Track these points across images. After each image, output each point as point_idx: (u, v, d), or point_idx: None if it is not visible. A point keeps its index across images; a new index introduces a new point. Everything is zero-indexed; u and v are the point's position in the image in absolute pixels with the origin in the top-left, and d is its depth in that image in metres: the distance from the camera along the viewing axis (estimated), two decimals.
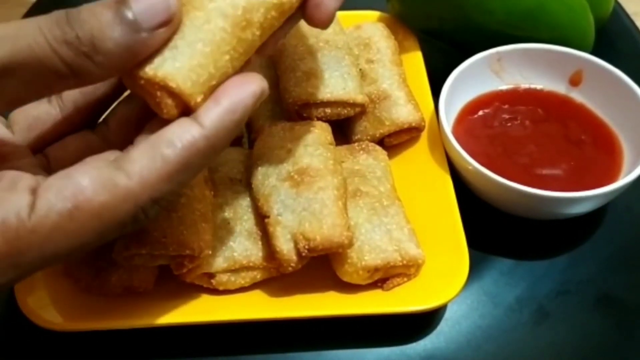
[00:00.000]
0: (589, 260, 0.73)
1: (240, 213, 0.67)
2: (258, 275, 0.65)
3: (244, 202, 0.67)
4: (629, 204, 0.76)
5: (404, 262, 0.63)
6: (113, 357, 0.65)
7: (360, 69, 0.79)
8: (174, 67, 0.45)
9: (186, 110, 0.47)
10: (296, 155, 0.66)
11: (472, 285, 0.69)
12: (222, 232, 0.65)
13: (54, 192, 0.41)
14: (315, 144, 0.67)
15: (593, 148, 0.75)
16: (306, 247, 0.60)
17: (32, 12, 0.99)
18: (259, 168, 0.67)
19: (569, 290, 0.70)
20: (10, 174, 0.45)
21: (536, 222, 0.74)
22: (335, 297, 0.64)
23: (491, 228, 0.74)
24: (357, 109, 0.75)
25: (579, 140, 0.76)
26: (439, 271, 0.65)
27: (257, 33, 0.49)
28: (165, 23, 0.44)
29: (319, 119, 0.73)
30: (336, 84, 0.73)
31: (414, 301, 0.63)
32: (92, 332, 0.62)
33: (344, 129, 0.78)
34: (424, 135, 0.78)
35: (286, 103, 0.73)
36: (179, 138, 0.44)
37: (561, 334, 0.67)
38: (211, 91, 0.47)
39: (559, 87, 0.81)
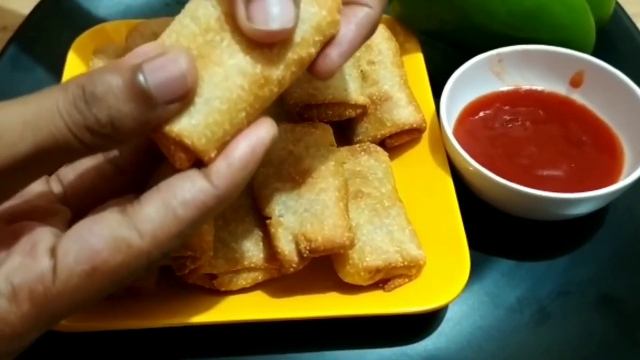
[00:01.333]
0: (590, 261, 0.73)
1: (242, 214, 0.67)
2: (260, 276, 0.65)
3: (246, 203, 0.68)
4: (630, 205, 0.77)
5: (405, 263, 0.64)
6: (115, 358, 0.65)
7: (361, 71, 0.79)
8: (190, 124, 0.45)
9: (198, 161, 0.47)
10: (297, 156, 0.67)
11: (473, 285, 0.69)
12: (224, 233, 0.65)
13: (72, 257, 0.44)
14: (316, 145, 0.68)
15: (594, 149, 0.76)
16: (307, 248, 0.60)
17: (34, 13, 0.99)
18: (261, 169, 0.67)
19: (570, 291, 0.71)
20: (30, 233, 0.47)
21: (537, 223, 0.74)
22: (337, 298, 0.64)
23: (492, 229, 0.75)
24: (359, 111, 0.75)
25: (580, 141, 0.76)
26: (440, 272, 0.65)
27: (275, 90, 0.49)
28: (180, 98, 0.45)
29: (320, 120, 0.73)
30: (337, 85, 0.73)
31: (415, 302, 0.63)
32: (94, 333, 0.63)
33: (345, 130, 0.78)
34: (425, 136, 0.78)
35: (287, 104, 0.73)
36: (192, 198, 0.45)
37: (562, 335, 0.67)
38: (224, 145, 0.47)
39: (559, 88, 0.81)
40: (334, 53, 0.53)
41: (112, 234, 0.44)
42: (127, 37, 0.81)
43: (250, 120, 0.49)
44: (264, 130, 0.48)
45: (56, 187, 0.55)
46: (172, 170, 0.48)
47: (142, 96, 0.43)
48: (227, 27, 0.47)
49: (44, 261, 0.44)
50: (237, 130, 0.48)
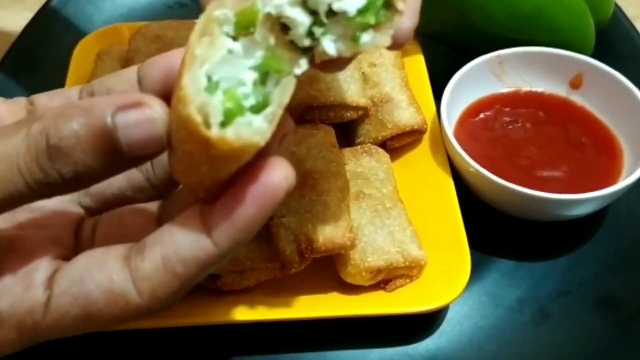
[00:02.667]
0: (590, 261, 0.73)
1: None
2: (262, 276, 0.65)
3: None
4: (629, 205, 0.77)
5: (407, 263, 0.64)
6: (118, 358, 0.66)
7: (362, 73, 0.79)
8: None
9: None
10: (299, 157, 0.67)
11: (474, 286, 0.70)
12: None
13: (68, 300, 0.42)
14: (318, 147, 0.68)
15: (593, 150, 0.76)
16: (309, 248, 0.61)
17: (38, 16, 1.00)
18: None
19: (570, 291, 0.71)
20: (28, 257, 0.45)
21: (537, 224, 0.74)
22: (338, 298, 0.65)
23: (492, 229, 0.75)
24: (360, 112, 0.76)
25: (580, 143, 0.76)
26: (441, 272, 0.66)
27: None
28: (152, 156, 0.42)
29: (322, 122, 0.73)
30: (339, 87, 0.74)
31: (417, 302, 0.64)
32: (96, 333, 0.63)
33: (346, 132, 0.78)
34: (426, 137, 0.78)
35: (289, 106, 0.73)
36: (192, 257, 0.42)
37: (562, 335, 0.68)
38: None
39: (559, 90, 0.82)
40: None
41: (111, 287, 0.42)
42: (130, 40, 0.81)
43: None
44: (277, 180, 0.42)
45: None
46: (183, 205, 0.46)
47: (113, 151, 0.40)
48: None
49: (37, 293, 0.43)
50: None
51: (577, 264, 0.73)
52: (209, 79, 0.40)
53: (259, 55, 0.42)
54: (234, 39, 0.42)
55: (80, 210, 0.53)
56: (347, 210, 0.64)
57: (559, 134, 0.77)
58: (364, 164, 0.73)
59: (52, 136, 0.39)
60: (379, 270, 0.64)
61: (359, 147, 0.75)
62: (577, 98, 0.81)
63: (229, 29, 0.42)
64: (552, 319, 0.69)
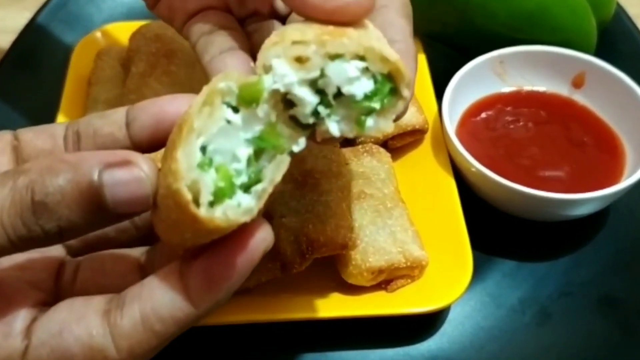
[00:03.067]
0: (591, 261, 0.73)
1: None
2: (263, 277, 0.65)
3: None
4: (631, 205, 0.77)
5: (408, 263, 0.64)
6: None
7: None
8: None
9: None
10: (300, 157, 0.67)
11: (475, 286, 0.70)
12: None
13: (46, 352, 0.42)
14: (319, 147, 0.68)
15: (595, 150, 0.76)
16: (310, 248, 0.61)
17: (38, 15, 1.00)
18: None
19: (572, 292, 0.71)
20: (8, 305, 0.45)
21: (539, 224, 0.74)
22: (340, 299, 0.65)
23: (494, 230, 0.75)
24: None
25: (582, 142, 0.76)
26: (443, 273, 0.66)
27: None
28: (137, 214, 0.42)
29: None
30: None
31: (418, 302, 0.64)
32: None
33: None
34: (428, 137, 0.78)
35: None
36: (170, 316, 0.43)
37: (563, 335, 0.68)
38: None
39: (561, 89, 0.81)
40: None
41: (89, 342, 0.42)
42: (130, 39, 0.81)
43: None
44: (256, 246, 0.43)
45: None
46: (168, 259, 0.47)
47: (98, 208, 0.40)
48: None
49: (15, 342, 0.43)
50: None
51: (579, 264, 0.73)
52: (204, 149, 0.40)
53: (257, 129, 0.43)
54: (235, 109, 0.42)
55: (62, 252, 0.53)
56: (348, 211, 0.64)
57: (560, 133, 0.77)
58: (365, 164, 0.72)
59: (37, 192, 0.39)
60: (380, 271, 0.64)
61: (360, 146, 0.75)
62: (579, 97, 0.81)
63: (232, 99, 0.42)
64: (553, 320, 0.69)
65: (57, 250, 0.52)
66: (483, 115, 0.80)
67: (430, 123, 0.78)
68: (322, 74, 0.43)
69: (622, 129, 0.77)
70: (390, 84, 0.45)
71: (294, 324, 0.64)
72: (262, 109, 0.42)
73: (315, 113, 0.44)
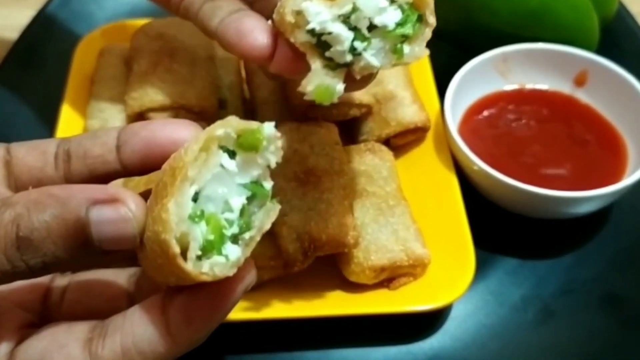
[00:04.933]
0: (594, 259, 0.73)
1: None
2: (265, 275, 0.65)
3: None
4: (634, 203, 0.77)
5: (410, 261, 0.64)
6: None
7: None
8: None
9: None
10: (303, 155, 0.67)
11: (478, 284, 0.70)
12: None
13: None
14: (321, 144, 0.68)
15: (598, 148, 0.76)
16: (312, 246, 0.61)
17: (41, 13, 1.00)
18: None
19: (574, 290, 0.71)
20: None
21: (541, 222, 0.74)
22: (342, 297, 0.65)
23: (496, 228, 0.75)
24: (363, 110, 0.75)
25: (584, 140, 0.76)
26: (445, 271, 0.66)
27: None
28: (122, 251, 0.42)
29: (325, 119, 0.73)
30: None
31: (420, 300, 0.64)
32: None
33: (350, 130, 0.78)
34: (430, 135, 0.78)
35: (293, 104, 0.74)
36: (151, 351, 0.43)
37: (566, 333, 0.68)
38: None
39: (563, 87, 0.81)
40: None
41: None
42: (132, 38, 0.81)
43: None
44: (239, 290, 0.44)
45: None
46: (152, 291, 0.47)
47: (84, 245, 0.40)
48: None
49: None
50: None
51: (581, 262, 0.73)
52: (197, 195, 0.40)
53: (255, 174, 0.43)
54: (232, 154, 0.42)
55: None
56: (350, 209, 0.64)
57: (563, 131, 0.77)
58: (368, 162, 0.72)
59: (23, 227, 0.39)
60: (382, 269, 0.64)
61: (362, 144, 0.75)
62: (581, 95, 0.81)
63: (230, 143, 0.42)
64: (556, 317, 0.69)
65: None
66: (485, 113, 0.80)
67: (433, 121, 0.78)
68: (354, 9, 0.45)
69: (625, 127, 0.77)
70: (416, 12, 0.48)
71: (296, 322, 0.64)
72: (262, 157, 0.43)
73: (352, 50, 0.46)
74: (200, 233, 0.39)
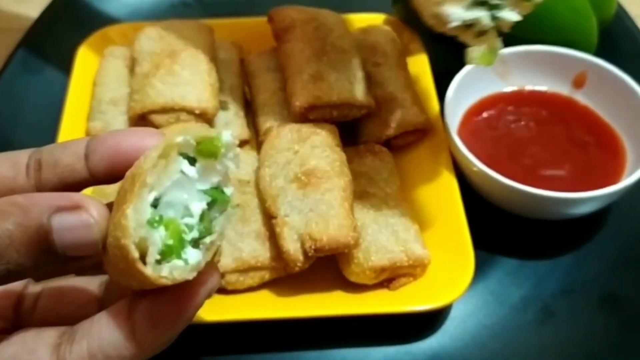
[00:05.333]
0: (594, 259, 0.73)
1: (249, 214, 0.68)
2: (266, 275, 0.66)
3: (252, 204, 0.68)
4: (633, 204, 0.77)
5: (410, 262, 0.64)
6: None
7: (366, 72, 0.80)
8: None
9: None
10: (303, 156, 0.67)
11: (478, 284, 0.70)
12: (231, 233, 0.66)
13: None
14: (322, 146, 0.68)
15: (596, 149, 0.76)
16: (313, 247, 0.61)
17: (44, 15, 1.00)
18: (267, 169, 0.68)
19: (574, 290, 0.71)
20: None
21: (541, 222, 0.75)
22: (342, 297, 0.65)
23: (496, 228, 0.75)
24: (364, 111, 0.76)
25: (583, 142, 0.77)
26: (445, 271, 0.66)
27: None
28: (86, 258, 0.43)
29: (325, 121, 0.73)
30: (343, 86, 0.74)
31: (420, 301, 0.64)
32: None
33: (350, 131, 0.79)
34: (430, 137, 0.78)
35: (293, 105, 0.74)
36: (117, 355, 0.44)
37: (566, 333, 0.68)
38: None
39: (562, 88, 0.82)
40: None
41: None
42: (134, 40, 0.82)
43: None
44: (202, 294, 0.45)
45: None
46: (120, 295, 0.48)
47: (47, 252, 0.41)
48: None
49: None
50: None
51: (581, 262, 0.73)
52: (157, 200, 0.41)
53: (215, 180, 0.44)
54: (192, 160, 0.43)
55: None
56: (350, 209, 0.64)
57: (562, 133, 0.78)
58: (368, 163, 0.73)
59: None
60: (382, 269, 0.64)
61: (362, 146, 0.75)
62: (580, 97, 0.81)
63: (190, 150, 0.42)
64: (555, 318, 0.69)
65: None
66: (485, 114, 0.80)
67: (432, 122, 0.78)
68: None
69: (623, 129, 0.77)
70: None
71: (297, 321, 0.64)
72: (221, 163, 0.44)
73: (492, 18, 0.55)
74: (159, 238, 0.40)
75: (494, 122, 0.79)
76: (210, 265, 0.45)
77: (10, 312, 0.50)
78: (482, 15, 0.53)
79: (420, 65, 0.85)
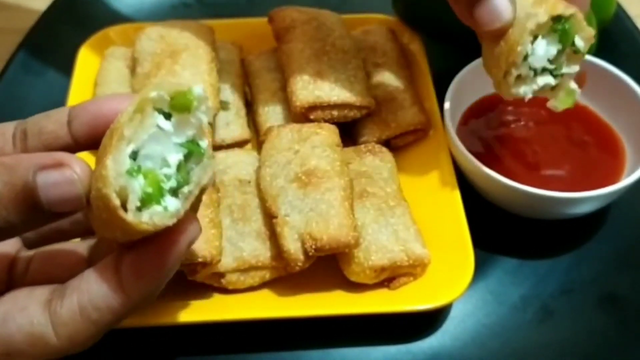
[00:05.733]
0: (593, 259, 0.74)
1: (249, 214, 0.68)
2: (267, 275, 0.66)
3: (253, 203, 0.69)
4: (632, 204, 0.77)
5: (410, 261, 0.64)
6: (123, 355, 0.66)
7: (366, 72, 0.80)
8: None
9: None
10: (304, 156, 0.68)
11: (477, 284, 0.70)
12: (232, 232, 0.66)
13: None
14: (322, 146, 0.68)
15: (596, 149, 0.76)
16: (313, 246, 0.61)
17: (45, 16, 1.00)
18: (267, 169, 0.68)
19: (573, 289, 0.71)
20: None
21: (540, 222, 0.75)
22: (343, 296, 0.65)
23: (496, 228, 0.75)
24: (364, 111, 0.76)
25: (582, 142, 0.77)
26: (445, 270, 0.66)
27: None
28: (71, 213, 0.45)
29: (326, 121, 0.74)
30: (343, 86, 0.74)
31: (420, 300, 0.64)
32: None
33: (350, 131, 0.79)
34: (430, 136, 0.79)
35: (293, 106, 0.74)
36: (106, 306, 0.46)
37: (565, 332, 0.68)
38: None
39: None
40: None
41: (31, 330, 0.46)
42: (135, 40, 0.82)
43: None
44: (182, 242, 0.47)
45: None
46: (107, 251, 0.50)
47: (33, 208, 0.43)
48: None
49: None
50: None
51: (580, 262, 0.73)
52: (136, 153, 0.43)
53: (190, 133, 0.46)
54: (167, 116, 0.45)
55: (18, 244, 0.56)
56: (351, 209, 0.64)
57: (561, 133, 0.78)
58: (368, 163, 0.73)
59: None
60: (382, 269, 0.64)
61: (362, 146, 0.76)
62: (579, 97, 0.80)
63: (164, 106, 0.45)
64: (555, 317, 0.69)
65: (11, 244, 0.56)
66: (484, 114, 0.80)
67: (432, 122, 0.78)
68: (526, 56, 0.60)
69: (622, 128, 0.77)
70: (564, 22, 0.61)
71: (297, 321, 0.64)
72: (194, 116, 0.46)
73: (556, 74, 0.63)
74: (138, 186, 0.43)
75: (494, 122, 0.79)
76: (190, 215, 0.47)
77: (3, 275, 0.53)
78: (547, 80, 0.61)
79: (420, 65, 0.86)
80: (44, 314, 0.46)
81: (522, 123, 0.79)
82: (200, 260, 0.59)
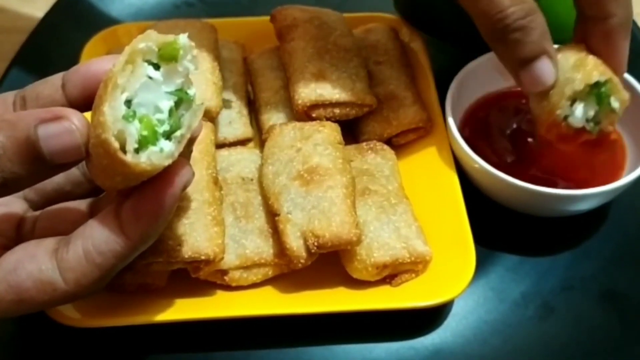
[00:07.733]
0: (593, 256, 0.74)
1: (252, 211, 0.68)
2: (270, 272, 0.66)
3: (256, 201, 0.69)
4: (632, 201, 0.77)
5: (412, 258, 0.65)
6: (127, 352, 0.67)
7: (368, 70, 0.80)
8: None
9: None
10: (306, 154, 0.68)
11: (479, 281, 0.70)
12: (234, 230, 0.67)
13: (3, 287, 0.50)
14: (324, 144, 0.69)
15: (597, 146, 0.76)
16: (315, 244, 0.62)
17: (48, 16, 1.01)
18: (270, 167, 0.68)
19: (574, 286, 0.71)
20: None
21: (541, 219, 0.75)
22: (345, 293, 0.66)
23: (497, 225, 0.76)
24: (365, 110, 0.76)
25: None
26: (446, 267, 0.66)
27: None
28: (74, 163, 0.48)
29: (327, 119, 0.74)
30: (344, 85, 0.75)
31: (422, 297, 0.64)
32: (108, 328, 0.64)
33: (352, 129, 0.79)
34: (431, 134, 0.79)
35: (296, 104, 0.75)
36: (109, 250, 0.50)
37: (566, 329, 0.68)
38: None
39: None
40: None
41: (39, 277, 0.50)
42: None
43: None
44: (176, 184, 0.50)
45: None
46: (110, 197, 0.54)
47: (36, 159, 0.46)
48: None
49: None
50: None
51: (581, 259, 0.74)
52: (129, 102, 0.46)
53: (178, 82, 0.49)
54: (157, 66, 0.48)
55: (24, 206, 0.60)
56: (353, 207, 0.65)
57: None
58: (370, 161, 0.73)
59: None
60: (384, 266, 0.64)
61: (364, 144, 0.76)
62: None
63: (153, 57, 0.48)
64: (556, 314, 0.69)
65: (19, 205, 0.60)
66: (486, 112, 0.80)
67: (434, 120, 0.79)
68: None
69: (623, 126, 0.77)
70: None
71: (300, 318, 0.65)
72: (181, 65, 0.49)
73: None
74: (134, 130, 0.46)
75: (495, 120, 0.79)
76: (182, 160, 0.51)
77: (12, 233, 0.57)
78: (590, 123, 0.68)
79: (421, 63, 0.86)
80: (52, 261, 0.50)
81: (522, 121, 0.79)
82: (203, 257, 0.60)
